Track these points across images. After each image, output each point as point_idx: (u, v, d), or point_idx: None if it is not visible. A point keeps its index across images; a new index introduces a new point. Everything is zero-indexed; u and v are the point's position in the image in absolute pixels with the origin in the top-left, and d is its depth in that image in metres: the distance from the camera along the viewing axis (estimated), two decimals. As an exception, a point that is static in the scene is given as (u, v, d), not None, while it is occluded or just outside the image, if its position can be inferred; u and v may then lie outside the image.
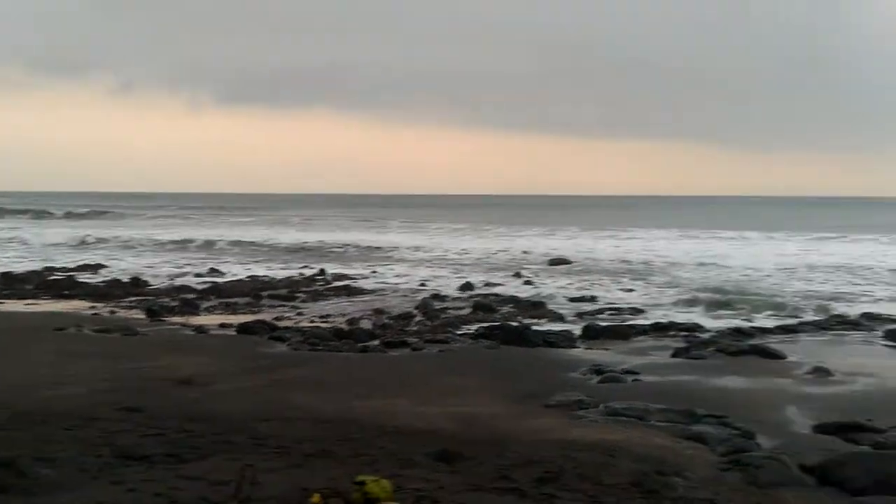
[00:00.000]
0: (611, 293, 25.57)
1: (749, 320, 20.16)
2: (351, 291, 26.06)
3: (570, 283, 28.10)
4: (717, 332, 18.15)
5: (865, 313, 20.40)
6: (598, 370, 13.41)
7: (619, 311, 21.76)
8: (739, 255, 37.92)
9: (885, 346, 16.89)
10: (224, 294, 25.01)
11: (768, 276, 30.23)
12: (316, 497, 3.24)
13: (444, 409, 10.33)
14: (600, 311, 21.68)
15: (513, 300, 23.56)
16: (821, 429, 9.95)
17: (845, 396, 11.89)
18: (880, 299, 23.49)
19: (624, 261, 36.61)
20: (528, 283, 28.47)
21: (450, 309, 22.32)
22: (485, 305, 22.42)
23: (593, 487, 6.71)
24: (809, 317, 20.49)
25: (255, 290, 25.87)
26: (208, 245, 47.25)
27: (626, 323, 19.57)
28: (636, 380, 12.92)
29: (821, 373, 13.44)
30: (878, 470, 7.43)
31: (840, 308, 21.61)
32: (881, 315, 20.15)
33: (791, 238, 48.45)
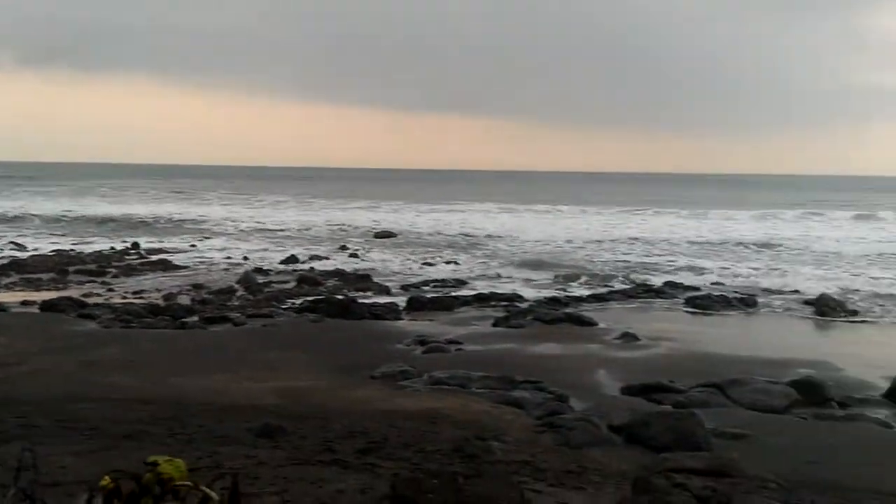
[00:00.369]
0: (435, 265, 26.00)
1: (564, 290, 21.12)
2: (167, 266, 24.97)
3: (396, 256, 28.34)
4: (534, 301, 18.89)
5: (668, 282, 21.88)
6: (422, 341, 13.61)
7: (443, 282, 22.15)
8: (554, 228, 39.61)
9: (686, 312, 18.24)
10: (26, 269, 23.24)
11: (580, 247, 31.83)
12: (106, 479, 3.06)
13: (268, 384, 10.14)
14: (425, 283, 21.98)
15: (338, 273, 23.42)
16: (628, 390, 10.61)
17: (650, 359, 12.73)
18: (681, 269, 25.25)
19: (447, 234, 37.39)
20: (353, 255, 28.43)
21: (274, 283, 21.90)
22: (310, 279, 22.16)
23: (416, 455, 6.80)
24: (618, 286, 21.73)
25: (60, 265, 24.25)
26: (5, 217, 43.71)
27: (450, 294, 19.94)
28: (459, 349, 13.23)
29: (628, 338, 14.31)
30: (678, 428, 7.99)
31: (645, 277, 23.06)
32: (682, 283, 21.67)
33: (602, 212, 51.12)
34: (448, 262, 26.77)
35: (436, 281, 22.40)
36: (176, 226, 41.13)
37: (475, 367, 11.33)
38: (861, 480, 7.16)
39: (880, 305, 18.85)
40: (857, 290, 20.67)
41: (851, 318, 17.42)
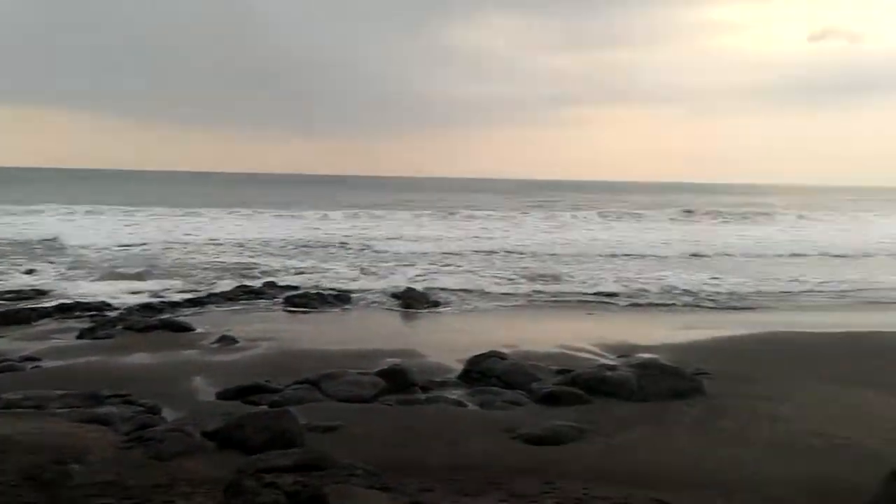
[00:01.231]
0: (8, 275, 23.16)
1: (158, 295, 20.16)
2: None
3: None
4: (125, 309, 17.78)
5: (268, 282, 22.02)
6: (-11, 361, 12.08)
7: (17, 293, 19.84)
8: (143, 230, 37.60)
9: (285, 311, 18.54)
10: None
11: (169, 249, 30.69)
12: None
13: None
14: (-5, 296, 19.50)
15: None
16: (224, 395, 10.47)
17: (248, 361, 12.71)
18: (278, 269, 25.54)
19: (22, 240, 33.59)
20: None
21: None
22: None
23: (-24, 492, 5.98)
24: (217, 288, 21.29)
25: None
26: None
27: (28, 307, 17.94)
28: (36, 367, 12.02)
29: (227, 341, 14.16)
30: (272, 427, 8.04)
31: (245, 279, 22.93)
32: (280, 284, 21.96)
33: (199, 212, 49.57)
34: (25, 272, 24.05)
35: (9, 292, 19.98)
36: None
37: (55, 385, 10.35)
38: (439, 457, 7.85)
39: (456, 296, 20.92)
40: (438, 285, 22.68)
41: (433, 309, 19.11)
